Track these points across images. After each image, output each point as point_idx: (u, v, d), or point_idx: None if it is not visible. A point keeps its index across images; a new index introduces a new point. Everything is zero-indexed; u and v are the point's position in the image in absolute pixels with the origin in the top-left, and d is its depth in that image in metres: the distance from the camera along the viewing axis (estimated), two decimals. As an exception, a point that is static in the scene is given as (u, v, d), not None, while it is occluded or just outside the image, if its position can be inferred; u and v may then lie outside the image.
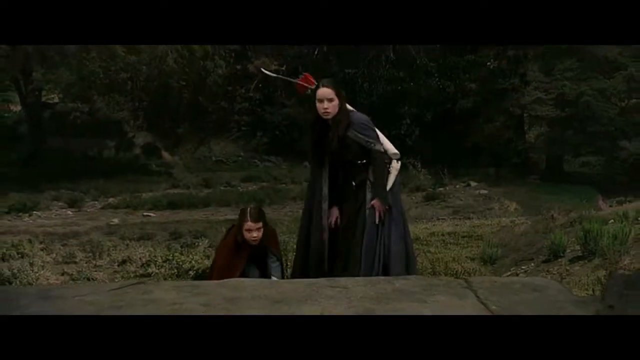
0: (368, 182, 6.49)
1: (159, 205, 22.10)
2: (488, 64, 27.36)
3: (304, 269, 6.54)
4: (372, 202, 6.40)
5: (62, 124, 28.25)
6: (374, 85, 27.91)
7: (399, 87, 27.28)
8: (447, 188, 24.01)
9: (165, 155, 28.62)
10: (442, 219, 20.64)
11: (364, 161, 6.43)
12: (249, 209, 7.29)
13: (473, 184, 24.68)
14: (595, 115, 25.61)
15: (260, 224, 6.78)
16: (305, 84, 7.63)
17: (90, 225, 20.53)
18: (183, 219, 19.99)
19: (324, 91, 6.32)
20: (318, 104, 6.34)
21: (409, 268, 6.55)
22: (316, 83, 7.95)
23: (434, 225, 18.89)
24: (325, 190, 6.55)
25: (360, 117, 6.61)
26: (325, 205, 6.54)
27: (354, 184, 6.53)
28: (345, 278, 5.24)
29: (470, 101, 27.32)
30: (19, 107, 28.31)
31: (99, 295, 4.50)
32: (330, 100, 6.30)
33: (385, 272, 6.43)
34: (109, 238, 18.01)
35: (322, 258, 6.53)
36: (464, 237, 14.60)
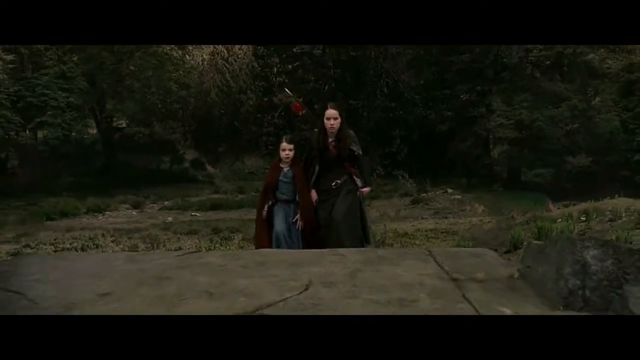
0: (351, 177, 6.73)
1: (203, 206, 21.93)
2: (461, 96, 27.14)
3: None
4: (363, 188, 6.69)
5: (129, 143, 28.42)
6: (372, 114, 27.79)
7: (391, 115, 27.23)
8: (429, 194, 23.84)
9: (209, 168, 28.47)
10: (425, 218, 20.24)
11: (347, 163, 6.66)
12: (284, 136, 7.53)
13: (449, 190, 24.56)
14: (546, 137, 25.62)
15: (292, 146, 6.93)
16: (297, 109, 8.58)
17: (149, 222, 20.16)
18: (222, 217, 19.73)
19: (331, 112, 6.54)
20: (326, 121, 6.56)
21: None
22: (304, 110, 8.60)
23: (419, 223, 18.96)
24: (312, 180, 6.77)
25: (352, 133, 6.82)
26: (324, 190, 6.73)
27: (336, 182, 6.70)
28: (343, 249, 5.32)
29: (447, 126, 27.15)
30: (95, 131, 28.34)
31: (168, 259, 4.86)
32: (335, 118, 6.51)
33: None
34: (164, 232, 18.09)
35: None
36: (442, 232, 14.62)
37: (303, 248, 6.85)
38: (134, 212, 22.25)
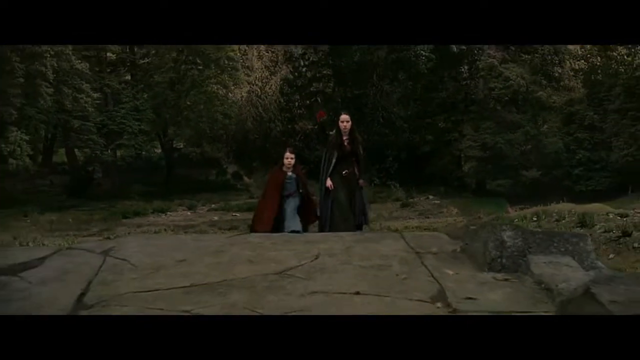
0: (355, 169, 6.67)
1: (241, 208, 21.92)
2: (439, 124, 26.93)
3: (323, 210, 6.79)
4: (360, 181, 6.67)
5: (185, 160, 28.51)
6: (371, 138, 27.52)
7: (385, 139, 27.07)
8: (415, 199, 23.89)
9: (245, 178, 28.42)
10: (411, 218, 20.48)
11: (354, 158, 6.67)
12: (288, 147, 7.45)
13: (430, 197, 24.49)
14: (505, 155, 25.44)
15: (293, 155, 6.81)
16: (321, 116, 9.05)
17: (200, 220, 20.59)
18: (256, 217, 20.18)
19: (344, 116, 6.72)
20: (340, 124, 6.67)
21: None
22: (326, 116, 8.93)
23: (407, 222, 19.20)
24: (331, 166, 6.64)
25: (359, 137, 6.95)
26: (327, 172, 6.64)
27: (345, 172, 6.61)
28: (343, 233, 5.55)
29: (428, 147, 27.05)
30: (159, 150, 28.50)
31: (222, 239, 5.39)
32: (348, 121, 6.63)
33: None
34: (211, 228, 18.31)
35: (327, 209, 6.66)
36: (425, 229, 14.51)
37: (302, 225, 6.75)
38: (189, 213, 22.53)
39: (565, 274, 3.74)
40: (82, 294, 3.79)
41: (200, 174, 28.03)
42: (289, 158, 6.65)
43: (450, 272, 4.15)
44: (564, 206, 17.00)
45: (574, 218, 13.46)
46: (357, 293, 3.81)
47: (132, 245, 5.06)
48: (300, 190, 6.78)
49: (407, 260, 4.50)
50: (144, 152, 26.96)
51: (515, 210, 18.96)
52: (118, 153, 26.33)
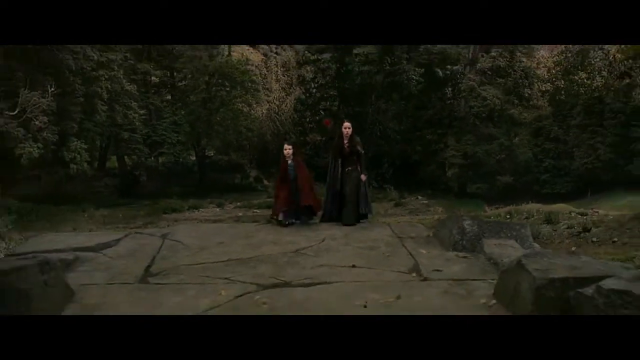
0: (357, 168, 6.42)
1: (262, 206, 21.42)
2: (427, 137, 26.66)
3: (327, 203, 6.50)
4: (362, 176, 6.38)
5: (215, 166, 28.41)
6: (369, 148, 26.20)
7: (382, 149, 26.72)
8: (406, 200, 23.68)
9: (265, 181, 28.11)
10: (403, 215, 19.99)
11: (355, 157, 6.44)
12: (285, 141, 7.07)
13: (420, 197, 24.27)
14: (483, 163, 25.23)
15: (290, 146, 6.48)
16: (327, 124, 9.01)
17: (227, 216, 20.52)
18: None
19: (346, 124, 6.55)
20: (343, 130, 6.49)
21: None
22: (331, 123, 8.76)
23: (399, 218, 19.21)
24: (339, 168, 6.44)
25: (358, 139, 6.70)
26: (338, 174, 6.42)
27: (348, 169, 6.38)
28: (343, 226, 5.69)
29: (418, 156, 26.79)
30: (194, 158, 28.24)
31: (251, 227, 5.83)
32: (349, 128, 6.46)
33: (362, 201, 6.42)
34: (237, 223, 18.73)
35: (335, 197, 6.37)
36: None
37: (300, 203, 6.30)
38: (218, 209, 22.43)
39: (509, 252, 4.15)
40: (149, 266, 4.31)
41: (228, 177, 27.89)
42: (287, 149, 6.50)
43: (424, 251, 4.56)
44: (533, 206, 16.92)
45: (541, 216, 13.54)
46: (354, 266, 4.23)
47: (183, 231, 5.55)
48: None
49: (391, 242, 4.95)
50: (181, 159, 27.00)
51: (491, 210, 18.89)
52: (160, 160, 26.48)
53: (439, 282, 3.85)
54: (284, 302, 3.48)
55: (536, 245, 4.56)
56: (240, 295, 3.60)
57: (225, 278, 3.97)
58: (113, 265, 4.31)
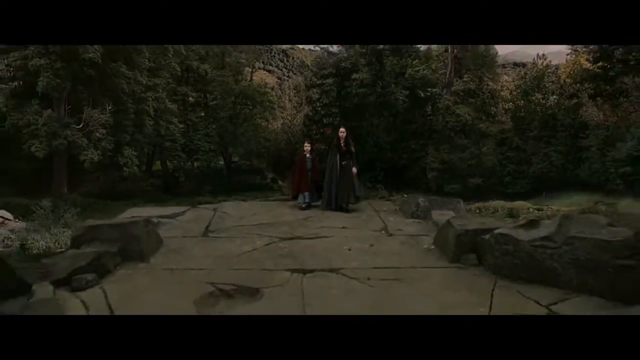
0: (350, 162, 6.55)
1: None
2: (412, 146, 26.60)
3: (325, 195, 6.51)
4: (354, 169, 6.51)
5: (239, 170, 28.49)
6: (364, 155, 25.81)
7: (374, 156, 26.50)
8: (394, 197, 22.41)
9: (280, 182, 27.90)
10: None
11: (349, 154, 6.56)
12: (306, 141, 7.47)
13: (405, 195, 21.97)
14: (457, 168, 24.93)
15: (309, 144, 6.88)
16: (327, 131, 9.36)
17: None
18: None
19: (342, 129, 6.69)
20: (340, 133, 6.62)
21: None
22: (331, 130, 8.57)
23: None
24: (337, 163, 6.51)
25: (351, 142, 6.80)
26: (337, 166, 6.52)
27: (343, 162, 6.48)
28: (344, 213, 5.97)
29: (404, 162, 26.80)
30: (222, 162, 28.20)
31: (272, 206, 6.68)
32: (344, 132, 6.63)
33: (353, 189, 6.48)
34: (264, 202, 18.71)
35: (332, 186, 6.49)
36: None
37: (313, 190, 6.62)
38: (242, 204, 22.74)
39: (447, 219, 5.14)
40: (207, 226, 5.36)
41: (249, 178, 27.80)
42: (307, 146, 7.01)
43: (391, 219, 5.50)
44: (498, 203, 16.87)
45: (505, 211, 13.64)
46: (344, 227, 5.15)
47: (228, 206, 6.53)
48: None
49: (370, 214, 5.88)
50: (212, 164, 27.08)
51: (464, 206, 19.26)
52: (195, 164, 26.61)
53: (399, 237, 4.73)
54: (298, 248, 4.36)
55: (468, 214, 5.48)
56: (269, 244, 4.52)
57: (258, 234, 4.92)
58: (184, 226, 5.34)
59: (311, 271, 3.70)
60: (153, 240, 4.42)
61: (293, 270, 3.74)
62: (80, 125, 19.56)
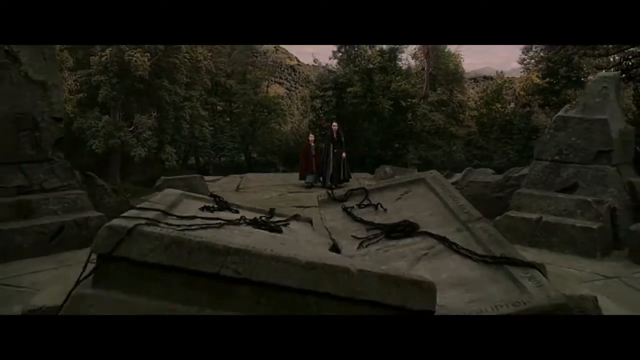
0: (341, 150, 6.76)
1: None
2: (396, 145, 26.77)
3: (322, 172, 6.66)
4: (343, 154, 6.71)
5: (257, 164, 28.03)
6: (357, 152, 25.48)
7: (365, 153, 26.13)
8: None
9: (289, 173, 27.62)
10: None
11: (339, 143, 6.76)
12: (310, 133, 7.79)
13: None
14: (432, 163, 24.52)
15: (313, 136, 7.09)
16: (323, 123, 8.85)
17: None
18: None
19: (335, 124, 7.05)
20: (333, 127, 6.94)
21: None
22: (326, 124, 8.72)
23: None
24: (331, 150, 6.73)
25: (342, 134, 6.93)
26: (330, 153, 6.73)
27: (335, 150, 6.73)
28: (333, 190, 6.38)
29: (389, 158, 26.16)
30: (243, 158, 28.20)
31: (283, 177, 7.52)
32: (336, 126, 6.95)
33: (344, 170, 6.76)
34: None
35: (326, 168, 6.78)
36: None
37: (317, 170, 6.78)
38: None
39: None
40: (238, 185, 6.31)
41: (265, 171, 25.05)
42: (311, 137, 7.33)
43: (367, 183, 6.51)
44: None
45: None
46: None
47: (251, 176, 7.42)
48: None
49: (354, 183, 6.73)
50: (235, 159, 27.57)
51: None
52: (222, 159, 27.10)
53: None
54: (299, 196, 5.32)
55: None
56: (281, 194, 5.57)
57: (273, 190, 5.97)
58: (222, 185, 6.29)
59: (308, 207, 4.69)
60: (204, 190, 5.44)
61: (297, 207, 4.72)
62: (131, 128, 20.59)
